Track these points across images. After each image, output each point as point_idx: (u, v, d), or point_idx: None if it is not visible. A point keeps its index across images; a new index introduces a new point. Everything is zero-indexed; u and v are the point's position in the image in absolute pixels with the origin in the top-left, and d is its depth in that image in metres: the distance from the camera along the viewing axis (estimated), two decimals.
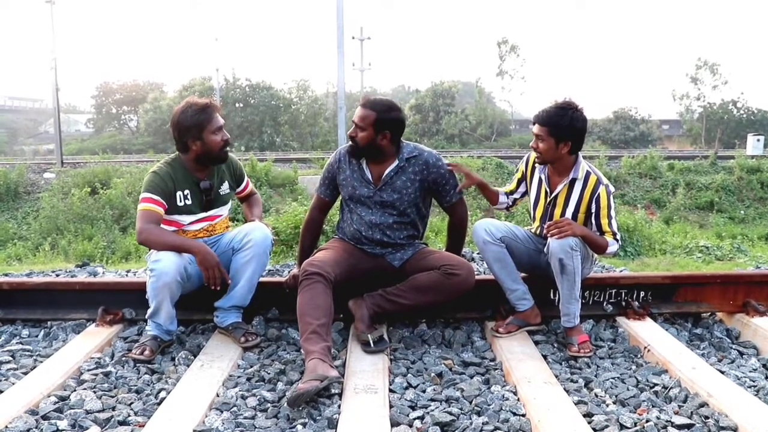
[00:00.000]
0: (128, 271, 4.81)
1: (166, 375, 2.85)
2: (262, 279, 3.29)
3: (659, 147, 34.03)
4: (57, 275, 4.66)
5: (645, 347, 3.14)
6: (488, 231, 3.25)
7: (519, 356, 2.99)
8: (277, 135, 38.63)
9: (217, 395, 2.61)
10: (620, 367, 2.97)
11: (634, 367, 2.98)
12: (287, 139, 38.86)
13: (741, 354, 3.22)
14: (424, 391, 2.68)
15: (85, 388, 2.68)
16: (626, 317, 3.47)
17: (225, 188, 3.35)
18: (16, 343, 3.25)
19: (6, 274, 4.77)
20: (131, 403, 2.57)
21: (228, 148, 3.25)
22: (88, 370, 2.86)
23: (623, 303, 3.55)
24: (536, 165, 3.35)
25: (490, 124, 42.55)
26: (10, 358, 3.03)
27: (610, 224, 3.18)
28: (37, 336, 3.36)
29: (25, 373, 2.85)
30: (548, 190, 3.28)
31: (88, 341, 3.17)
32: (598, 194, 3.15)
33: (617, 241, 3.21)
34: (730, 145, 34.94)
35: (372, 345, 2.99)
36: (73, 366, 2.88)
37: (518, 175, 3.49)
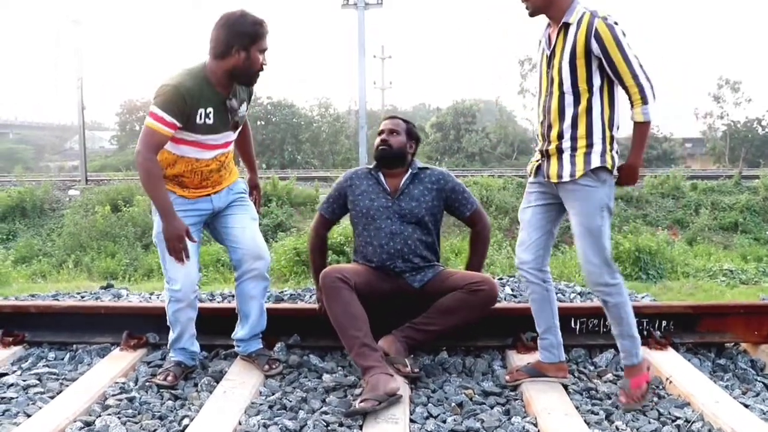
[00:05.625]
0: (152, 294, 4.87)
1: (189, 401, 2.89)
2: (284, 306, 3.33)
3: (682, 166, 33.74)
4: (82, 297, 4.74)
5: (667, 378, 3.11)
6: (530, 270, 2.98)
7: (539, 386, 2.97)
8: (298, 152, 38.84)
9: (240, 423, 2.63)
10: None
11: (656, 399, 2.95)
12: (308, 157, 39.07)
13: (767, 387, 3.18)
14: (444, 422, 2.68)
15: (109, 414, 2.71)
16: (648, 347, 3.44)
17: (243, 110, 3.10)
18: (43, 366, 3.30)
19: (32, 295, 4.85)
20: (155, 430, 2.60)
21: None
22: (113, 395, 2.90)
23: (645, 332, 3.51)
24: (541, 41, 2.89)
25: (511, 143, 42.44)
26: (37, 382, 3.08)
27: (632, 72, 2.61)
28: (62, 359, 3.41)
29: (52, 397, 2.89)
30: (548, 51, 2.81)
31: (113, 366, 3.21)
32: (595, 28, 2.61)
33: (645, 97, 2.64)
34: (754, 164, 34.52)
35: (412, 372, 3.06)
36: (98, 391, 2.92)
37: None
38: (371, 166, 3.42)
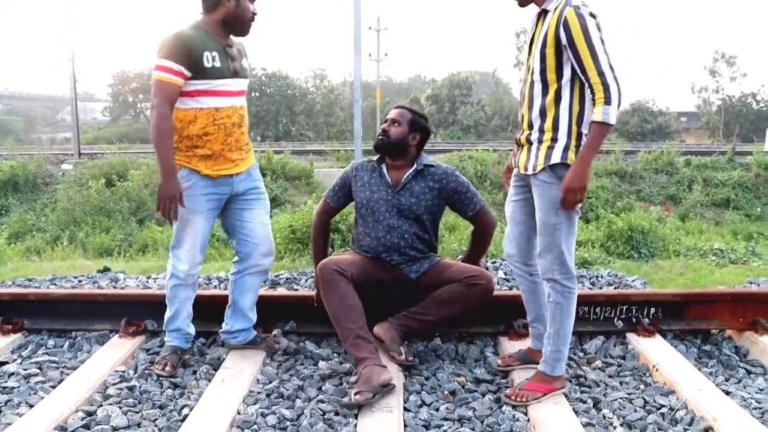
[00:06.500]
0: (149, 278, 4.92)
1: (188, 389, 2.95)
2: (280, 293, 3.38)
3: (677, 140, 33.80)
4: (80, 282, 4.78)
5: (654, 366, 3.19)
6: (516, 264, 3.05)
7: (529, 374, 3.04)
8: (292, 124, 38.73)
9: (238, 413, 2.70)
10: (629, 386, 3.03)
11: (642, 387, 3.03)
12: (303, 129, 38.96)
13: (749, 373, 3.26)
14: (437, 410, 2.76)
15: (110, 403, 2.77)
16: (636, 334, 3.52)
17: (245, 62, 3.15)
18: (43, 353, 3.36)
19: (30, 280, 4.89)
20: (156, 419, 2.66)
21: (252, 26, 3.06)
22: (113, 384, 2.96)
23: (634, 320, 3.59)
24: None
25: (506, 115, 42.41)
26: (38, 371, 3.14)
27: (598, 68, 2.50)
28: (62, 346, 3.46)
29: (53, 386, 2.95)
30: (530, 36, 2.77)
31: (112, 353, 3.27)
32: (564, 16, 2.51)
33: (609, 97, 2.51)
34: (748, 139, 34.60)
35: (407, 360, 3.13)
36: (99, 380, 2.98)
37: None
38: (375, 159, 3.44)
